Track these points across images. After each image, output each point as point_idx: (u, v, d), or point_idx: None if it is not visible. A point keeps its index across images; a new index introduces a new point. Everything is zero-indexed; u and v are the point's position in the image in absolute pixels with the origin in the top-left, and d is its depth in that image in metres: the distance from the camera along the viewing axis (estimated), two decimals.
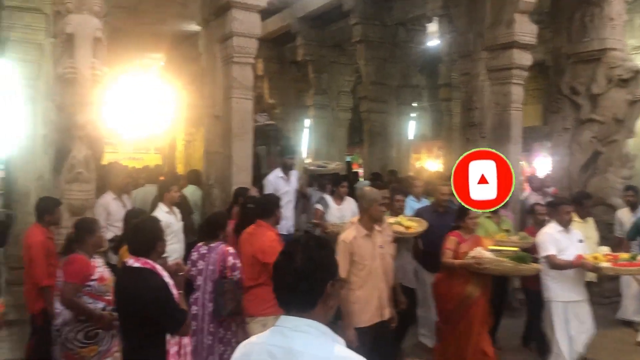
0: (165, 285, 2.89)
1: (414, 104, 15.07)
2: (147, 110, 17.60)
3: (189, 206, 6.98)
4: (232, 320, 4.51)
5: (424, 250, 5.92)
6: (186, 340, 3.05)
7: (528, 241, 5.69)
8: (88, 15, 5.25)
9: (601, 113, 8.12)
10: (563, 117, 8.70)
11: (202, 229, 5.16)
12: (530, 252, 5.28)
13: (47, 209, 5.04)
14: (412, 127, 16.43)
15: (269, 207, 4.66)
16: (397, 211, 5.91)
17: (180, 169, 14.32)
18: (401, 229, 5.48)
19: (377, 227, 4.39)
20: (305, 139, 16.11)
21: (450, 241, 5.05)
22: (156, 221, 3.18)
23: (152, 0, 13.54)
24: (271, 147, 9.18)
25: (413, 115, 16.46)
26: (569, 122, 8.62)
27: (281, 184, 6.75)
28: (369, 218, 4.32)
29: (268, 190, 6.51)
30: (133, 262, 2.94)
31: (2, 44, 7.73)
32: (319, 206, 6.50)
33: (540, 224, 5.99)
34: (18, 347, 5.58)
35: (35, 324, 4.95)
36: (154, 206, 5.66)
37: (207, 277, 4.37)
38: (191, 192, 7.22)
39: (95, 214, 5.63)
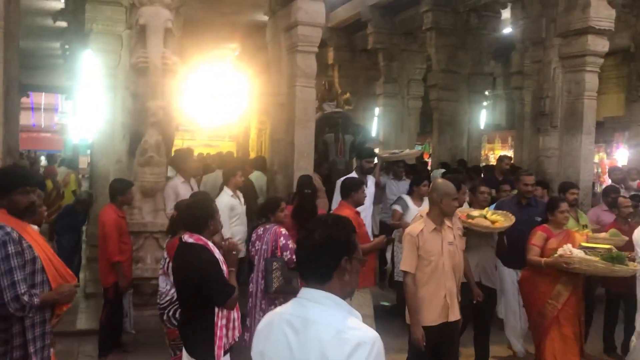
0: (215, 260, 3.09)
1: (486, 93, 14.69)
2: (222, 99, 18.20)
3: (254, 191, 7.23)
4: (283, 298, 4.69)
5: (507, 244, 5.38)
6: (235, 314, 3.22)
7: (621, 238, 5.15)
8: (159, 7, 5.54)
9: None
10: None
11: (259, 212, 5.36)
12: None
13: (120, 189, 5.39)
14: (484, 116, 16.05)
15: (347, 188, 4.95)
16: (481, 204, 5.43)
17: (252, 156, 14.73)
18: (487, 222, 5.03)
19: (447, 222, 4.10)
20: (375, 127, 16.09)
21: (538, 236, 4.70)
22: (208, 200, 3.39)
23: None
24: (339, 135, 9.23)
25: (485, 104, 16.07)
26: None
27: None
28: (439, 212, 4.01)
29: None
30: (187, 237, 3.16)
31: (86, 35, 8.26)
32: (397, 207, 6.17)
33: (625, 219, 5.67)
34: (95, 317, 6.03)
35: (107, 297, 5.34)
36: (220, 190, 5.92)
37: (262, 257, 4.57)
38: (256, 177, 7.47)
39: (165, 196, 5.97)
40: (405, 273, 3.99)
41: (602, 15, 7.24)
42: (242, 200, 5.99)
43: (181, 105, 18.15)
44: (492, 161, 15.21)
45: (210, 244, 3.17)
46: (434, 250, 3.97)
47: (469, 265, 4.71)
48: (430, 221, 4.02)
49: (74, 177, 10.57)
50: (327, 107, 11.19)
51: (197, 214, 3.18)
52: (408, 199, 6.17)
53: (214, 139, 18.29)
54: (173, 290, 3.83)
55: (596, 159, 14.47)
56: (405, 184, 7.29)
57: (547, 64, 7.89)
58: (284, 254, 4.64)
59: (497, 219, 5.13)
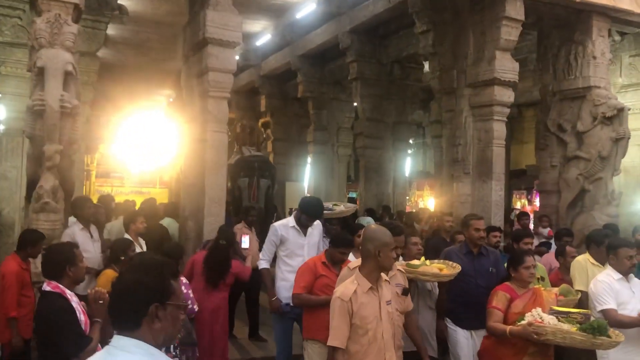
0: (69, 309, 2.93)
1: (411, 141, 15.10)
2: (153, 145, 17.99)
3: (168, 236, 7.01)
4: (184, 349, 4.56)
5: (457, 301, 4.75)
6: None
7: (574, 298, 4.64)
8: (60, 49, 5.41)
9: (587, 150, 8.05)
10: (550, 154, 8.64)
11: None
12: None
13: (31, 240, 5.06)
14: (409, 163, 16.42)
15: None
16: (414, 257, 4.70)
17: None
18: (434, 270, 4.43)
19: (383, 276, 3.44)
20: (307, 174, 16.18)
21: (499, 298, 3.98)
22: (69, 246, 3.23)
23: (157, 38, 14.01)
24: (254, 180, 9.18)
25: (410, 151, 16.48)
26: (556, 159, 8.56)
27: (292, 235, 5.15)
28: (376, 266, 3.30)
29: (269, 239, 5.19)
30: (46, 285, 3.00)
31: None
32: None
33: (569, 269, 5.26)
34: None
35: (2, 355, 4.98)
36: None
37: None
38: (167, 224, 7.28)
39: None
40: (334, 350, 3.25)
41: (507, 67, 7.60)
42: (145, 247, 5.79)
43: (111, 152, 17.90)
44: (422, 207, 15.47)
45: (68, 293, 3.01)
46: (370, 315, 3.26)
47: (418, 330, 4.14)
48: (364, 279, 3.29)
49: None
50: (245, 150, 11.27)
51: (55, 259, 3.03)
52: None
53: (144, 186, 17.98)
54: None
55: (518, 205, 15.01)
56: None
57: (458, 113, 8.15)
58: (191, 305, 4.58)
59: (441, 266, 4.59)
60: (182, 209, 7.16)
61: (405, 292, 3.89)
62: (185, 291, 4.51)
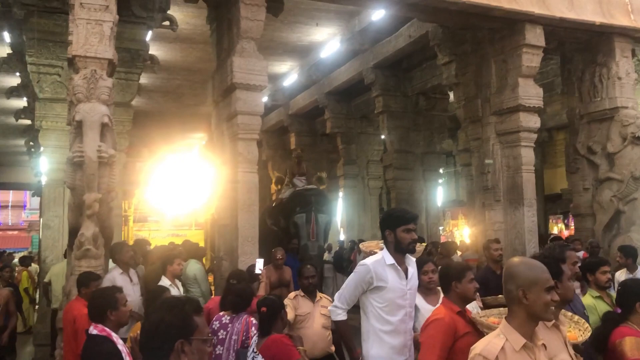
0: (116, 352, 3.05)
1: (441, 170, 15.08)
2: (188, 188, 18.39)
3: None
4: None
5: None
6: None
7: None
8: (96, 103, 5.70)
9: (619, 171, 7.98)
10: (582, 177, 8.58)
11: (227, 299, 4.83)
12: None
13: (84, 283, 5.25)
14: (441, 192, 16.35)
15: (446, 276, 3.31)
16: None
17: None
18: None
19: (539, 333, 2.44)
20: (340, 209, 16.27)
21: (632, 344, 3.16)
22: (111, 290, 3.38)
23: (188, 84, 14.50)
24: (312, 215, 8.59)
25: (441, 181, 16.43)
26: (588, 181, 8.50)
27: (392, 278, 3.55)
28: (528, 314, 2.37)
29: (355, 282, 3.65)
30: (92, 328, 3.15)
31: (37, 132, 8.43)
32: None
33: None
34: None
35: None
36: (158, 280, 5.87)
37: (231, 348, 4.37)
38: (191, 265, 7.34)
39: None
40: None
41: (531, 93, 7.65)
42: (182, 289, 5.94)
43: (147, 197, 18.38)
44: (457, 237, 15.34)
45: (114, 336, 3.15)
46: None
47: None
48: (515, 332, 2.36)
49: (26, 275, 10.37)
50: (298, 182, 10.21)
51: (97, 303, 3.18)
52: (420, 299, 4.02)
53: (180, 228, 18.32)
54: None
55: (555, 230, 14.74)
56: None
57: (485, 141, 8.19)
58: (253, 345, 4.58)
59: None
60: (217, 250, 7.32)
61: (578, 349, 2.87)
62: (256, 332, 4.44)
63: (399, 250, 3.51)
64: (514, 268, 2.46)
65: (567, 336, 2.70)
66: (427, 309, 3.78)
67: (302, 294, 5.00)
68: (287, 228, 9.44)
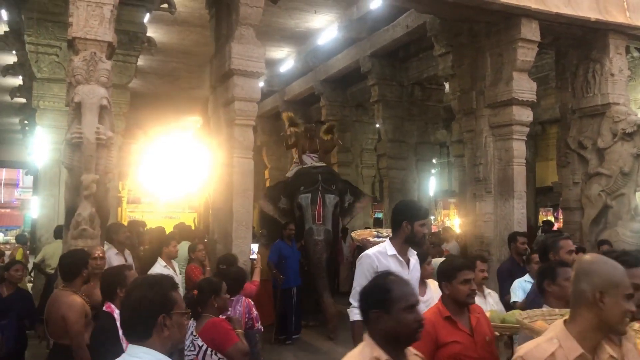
0: (110, 327, 3.17)
1: (435, 160, 15.21)
2: (183, 170, 18.43)
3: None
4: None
5: None
6: None
7: None
8: (95, 85, 5.75)
9: (608, 167, 8.11)
10: (572, 171, 8.71)
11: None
12: None
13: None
14: (433, 182, 16.49)
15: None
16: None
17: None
18: None
19: (607, 347, 2.07)
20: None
21: None
22: (121, 269, 3.52)
23: (185, 67, 14.51)
24: (318, 195, 7.84)
25: (434, 171, 16.56)
26: (578, 176, 8.63)
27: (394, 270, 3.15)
28: (596, 322, 2.04)
29: (363, 274, 3.45)
30: (105, 307, 3.32)
31: (34, 112, 8.47)
32: None
33: None
34: None
35: None
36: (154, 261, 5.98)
37: None
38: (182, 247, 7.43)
39: None
40: None
41: (525, 87, 7.75)
42: (178, 270, 6.05)
43: (141, 178, 18.41)
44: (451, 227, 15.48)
45: (116, 312, 3.27)
46: None
47: None
48: (573, 340, 2.04)
49: (21, 252, 10.45)
50: (307, 159, 9.14)
51: (108, 281, 3.32)
52: None
53: (174, 211, 18.38)
54: None
55: None
56: None
57: (479, 133, 8.30)
58: (257, 324, 4.78)
59: None
60: (212, 233, 7.42)
61: None
62: (256, 313, 4.76)
63: (409, 242, 3.46)
64: (593, 265, 2.09)
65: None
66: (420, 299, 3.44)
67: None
68: (292, 210, 8.47)
